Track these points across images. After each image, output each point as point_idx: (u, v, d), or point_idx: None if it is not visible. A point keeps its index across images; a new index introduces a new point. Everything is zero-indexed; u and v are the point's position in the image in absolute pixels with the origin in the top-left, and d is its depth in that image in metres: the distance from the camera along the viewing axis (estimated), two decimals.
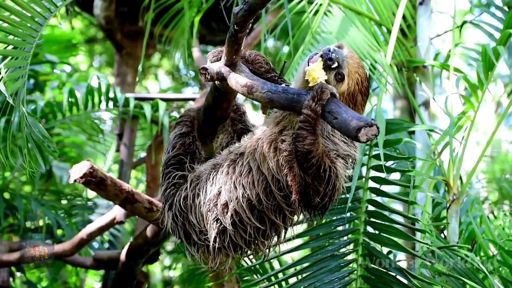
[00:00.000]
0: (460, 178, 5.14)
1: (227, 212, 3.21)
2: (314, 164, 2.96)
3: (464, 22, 5.84)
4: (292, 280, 4.60)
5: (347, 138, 3.19)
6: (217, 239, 3.26)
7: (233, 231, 3.22)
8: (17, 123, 3.66)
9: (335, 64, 3.10)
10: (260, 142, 3.22)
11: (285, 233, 3.34)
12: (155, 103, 6.58)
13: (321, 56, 3.09)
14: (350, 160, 3.22)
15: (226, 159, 3.31)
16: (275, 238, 3.34)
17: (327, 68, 3.09)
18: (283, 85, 3.23)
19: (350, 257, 4.48)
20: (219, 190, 3.24)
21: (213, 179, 3.29)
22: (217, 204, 3.24)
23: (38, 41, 3.81)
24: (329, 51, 3.11)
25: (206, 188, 3.29)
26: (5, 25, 3.57)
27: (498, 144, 13.89)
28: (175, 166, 3.52)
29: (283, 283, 4.78)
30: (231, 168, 3.25)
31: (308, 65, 3.10)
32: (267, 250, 3.37)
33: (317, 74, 3.06)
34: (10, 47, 3.62)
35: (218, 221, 3.24)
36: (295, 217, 3.30)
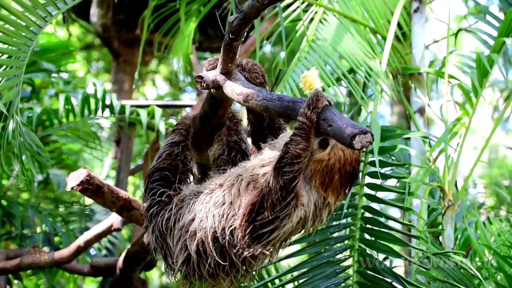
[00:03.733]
0: (456, 184, 5.15)
1: (194, 240, 3.18)
2: (293, 172, 2.96)
3: (460, 30, 5.87)
4: (289, 287, 4.61)
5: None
6: (183, 265, 3.25)
7: (197, 259, 3.19)
8: (12, 131, 3.67)
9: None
10: (239, 179, 3.20)
11: (246, 275, 3.30)
12: (151, 110, 6.58)
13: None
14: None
15: (206, 188, 3.30)
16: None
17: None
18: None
19: (346, 263, 4.49)
20: (193, 217, 3.22)
21: (192, 205, 3.27)
22: (188, 230, 3.21)
23: (35, 49, 3.82)
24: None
25: (184, 213, 3.28)
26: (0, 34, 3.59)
27: (496, 149, 13.90)
28: (159, 182, 3.46)
29: None
30: (208, 197, 3.23)
31: None
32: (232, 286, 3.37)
33: (312, 81, 3.07)
34: (5, 56, 3.64)
35: (185, 247, 3.22)
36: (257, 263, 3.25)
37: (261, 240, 3.08)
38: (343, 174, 3.12)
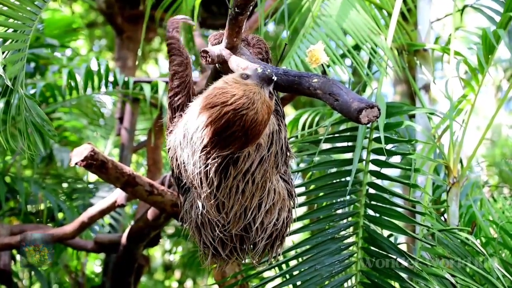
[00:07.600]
0: (461, 161, 5.14)
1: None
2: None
3: (465, 6, 5.82)
4: (293, 263, 4.62)
5: None
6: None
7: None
8: (16, 106, 3.67)
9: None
10: None
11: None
12: (154, 84, 6.54)
13: None
14: None
15: None
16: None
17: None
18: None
19: (350, 239, 4.49)
20: None
21: None
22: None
23: (38, 25, 3.81)
24: None
25: None
26: (5, 8, 3.58)
27: (498, 129, 13.88)
28: None
29: (284, 265, 4.79)
30: None
31: None
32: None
33: (318, 56, 3.05)
34: (10, 30, 3.63)
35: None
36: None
37: None
38: None
